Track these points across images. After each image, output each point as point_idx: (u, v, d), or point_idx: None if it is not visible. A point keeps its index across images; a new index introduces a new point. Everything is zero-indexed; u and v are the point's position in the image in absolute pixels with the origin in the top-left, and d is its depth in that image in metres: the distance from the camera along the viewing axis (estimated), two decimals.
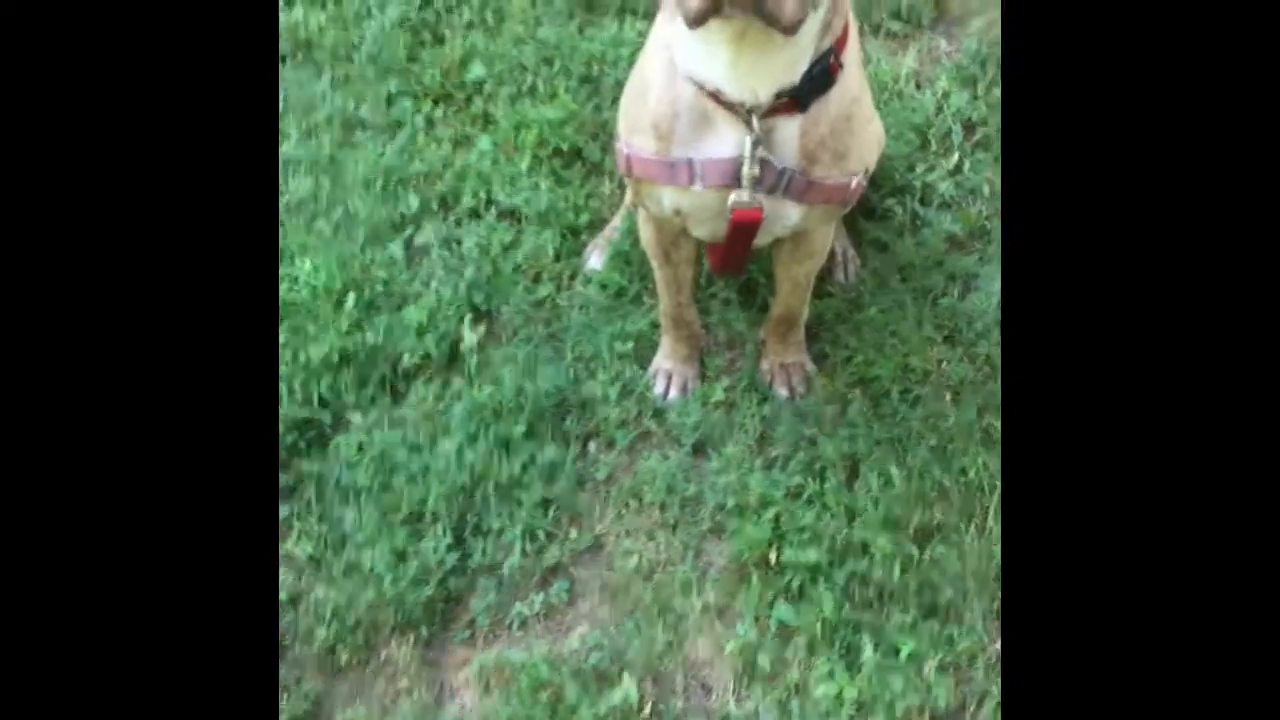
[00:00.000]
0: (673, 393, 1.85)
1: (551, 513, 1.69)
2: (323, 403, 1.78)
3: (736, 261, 1.59)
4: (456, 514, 1.68)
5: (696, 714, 1.55)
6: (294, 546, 1.66)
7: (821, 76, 1.34)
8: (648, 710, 1.54)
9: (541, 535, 1.68)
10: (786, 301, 1.78)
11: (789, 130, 1.38)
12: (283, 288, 1.88)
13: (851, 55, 1.39)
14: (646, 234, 1.66)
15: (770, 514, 1.67)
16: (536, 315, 1.91)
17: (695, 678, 1.58)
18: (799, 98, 1.34)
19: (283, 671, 1.56)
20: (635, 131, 1.45)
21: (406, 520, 1.67)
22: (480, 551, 1.66)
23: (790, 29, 1.15)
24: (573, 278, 1.96)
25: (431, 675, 1.58)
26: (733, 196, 1.40)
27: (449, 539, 1.65)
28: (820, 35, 1.31)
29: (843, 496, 1.69)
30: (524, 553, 1.66)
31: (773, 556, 1.64)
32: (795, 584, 1.62)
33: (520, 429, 1.75)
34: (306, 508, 1.69)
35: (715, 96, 1.34)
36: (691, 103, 1.37)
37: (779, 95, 1.33)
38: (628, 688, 1.53)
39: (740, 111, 1.34)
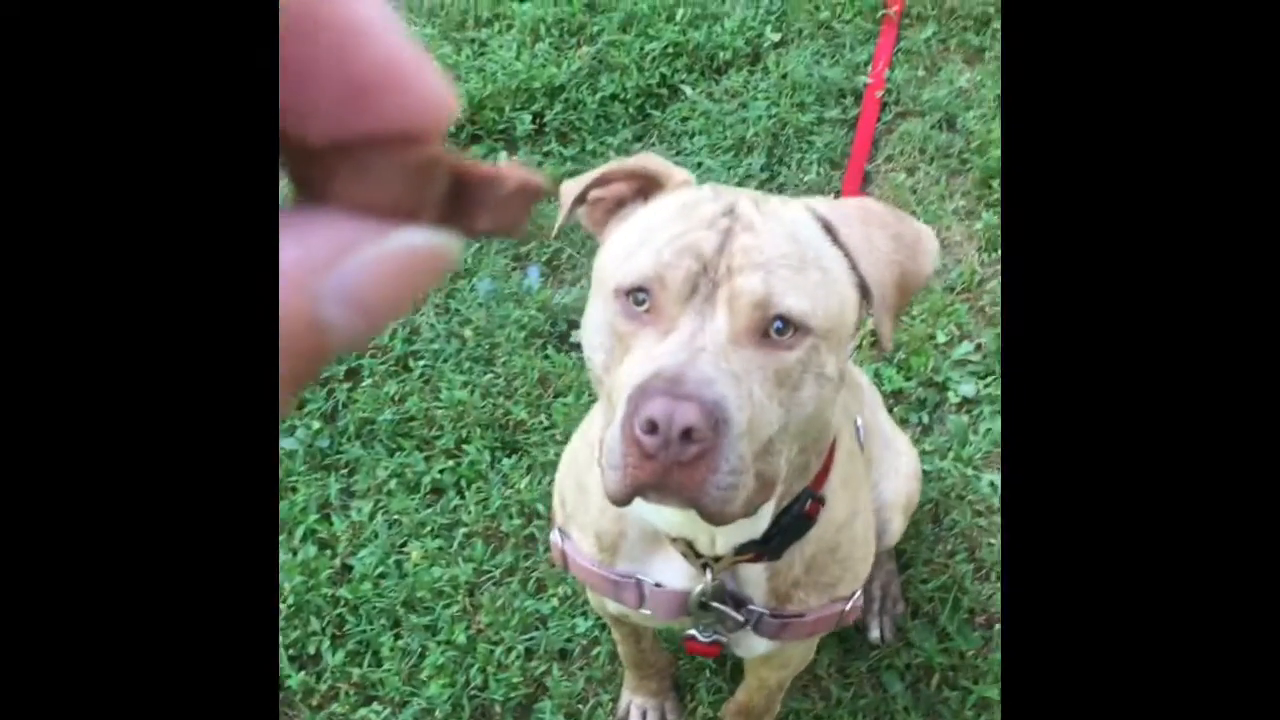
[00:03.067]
0: None
1: None
2: None
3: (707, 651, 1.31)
4: None
5: None
6: None
7: (796, 523, 1.10)
8: None
9: None
10: (750, 697, 1.52)
11: (754, 570, 1.15)
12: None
13: (837, 479, 1.14)
14: (596, 600, 1.40)
15: None
16: None
17: None
18: (766, 548, 1.11)
19: None
20: (574, 525, 1.22)
21: None
22: None
23: (731, 521, 0.92)
24: None
25: None
26: (687, 629, 1.21)
27: None
28: (792, 480, 1.04)
29: None
30: None
31: None
32: None
33: None
34: None
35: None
36: (642, 522, 1.14)
37: (740, 550, 1.10)
38: None
39: (693, 560, 1.13)
